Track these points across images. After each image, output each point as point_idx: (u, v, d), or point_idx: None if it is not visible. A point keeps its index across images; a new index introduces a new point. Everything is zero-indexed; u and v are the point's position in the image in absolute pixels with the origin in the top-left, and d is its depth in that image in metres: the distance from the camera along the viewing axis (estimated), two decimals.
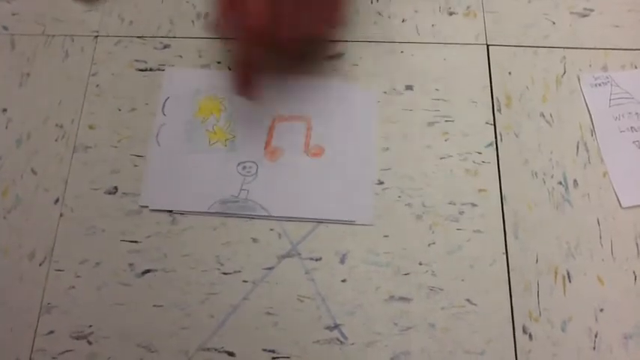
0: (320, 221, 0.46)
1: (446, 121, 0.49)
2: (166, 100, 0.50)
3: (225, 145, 0.48)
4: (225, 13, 0.44)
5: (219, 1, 0.44)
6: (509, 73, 0.51)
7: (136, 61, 0.51)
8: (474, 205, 0.46)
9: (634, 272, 0.44)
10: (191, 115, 0.49)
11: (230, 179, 0.47)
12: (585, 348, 0.42)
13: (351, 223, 0.45)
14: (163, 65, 0.51)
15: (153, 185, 0.47)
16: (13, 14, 0.53)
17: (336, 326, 0.43)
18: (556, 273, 0.44)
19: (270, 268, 0.44)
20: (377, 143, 0.48)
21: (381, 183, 0.47)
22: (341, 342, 0.42)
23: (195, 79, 0.50)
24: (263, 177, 0.47)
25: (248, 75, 0.45)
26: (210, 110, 0.49)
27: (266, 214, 0.45)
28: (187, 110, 0.49)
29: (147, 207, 0.46)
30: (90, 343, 0.43)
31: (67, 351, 0.42)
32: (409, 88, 0.50)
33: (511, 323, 0.43)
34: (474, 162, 0.47)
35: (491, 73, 0.51)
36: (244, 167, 0.47)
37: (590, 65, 0.51)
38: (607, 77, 0.50)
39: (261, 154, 0.48)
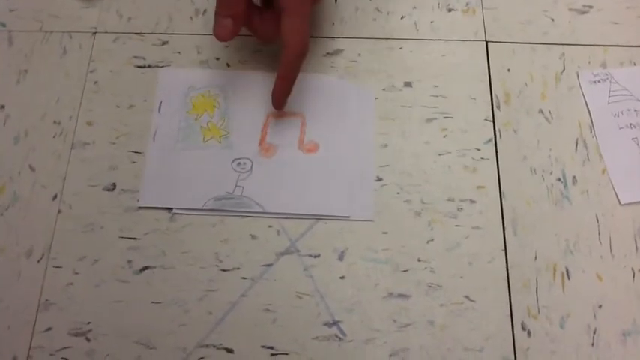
0: (319, 218, 0.46)
1: (444, 117, 0.49)
2: (161, 100, 0.49)
3: (220, 142, 0.48)
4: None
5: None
6: (508, 69, 0.51)
7: (135, 57, 0.51)
8: (472, 201, 0.46)
9: (632, 269, 0.44)
10: (185, 112, 0.49)
11: (225, 176, 0.47)
12: (584, 344, 0.42)
13: (349, 219, 0.45)
14: (162, 62, 0.51)
15: (150, 184, 0.47)
16: (11, 10, 0.53)
17: (335, 323, 0.43)
18: (555, 270, 0.44)
19: (268, 265, 0.44)
20: (375, 140, 0.48)
21: (379, 179, 0.47)
22: (340, 338, 0.42)
23: (189, 77, 0.50)
24: (257, 173, 0.47)
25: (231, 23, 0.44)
26: (204, 107, 0.49)
27: (261, 210, 0.45)
28: (181, 108, 0.49)
29: (146, 207, 0.46)
30: (88, 339, 0.42)
31: (65, 348, 0.42)
32: (408, 84, 0.50)
33: (510, 320, 0.43)
34: (472, 158, 0.47)
35: (490, 69, 0.51)
36: (239, 164, 0.47)
37: (589, 62, 0.51)
38: (606, 74, 0.50)
39: (256, 150, 0.48)
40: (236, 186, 0.46)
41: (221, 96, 0.49)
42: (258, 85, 0.50)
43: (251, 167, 0.47)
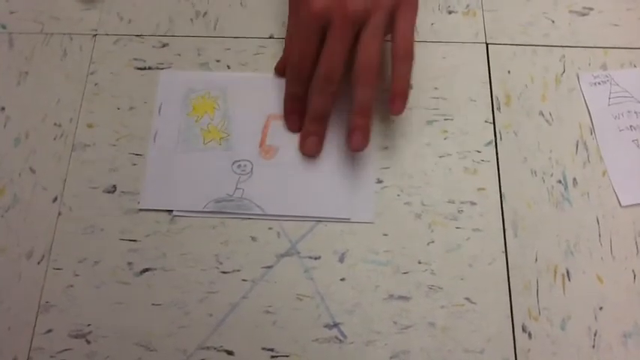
0: (319, 220, 0.45)
1: (445, 119, 0.49)
2: (161, 102, 0.50)
3: (220, 144, 0.48)
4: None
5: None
6: (509, 71, 0.51)
7: (135, 59, 0.51)
8: (473, 203, 0.46)
9: (633, 271, 0.44)
10: (185, 114, 0.49)
11: (225, 178, 0.47)
12: (585, 347, 0.42)
13: (349, 221, 0.45)
14: (162, 64, 0.51)
15: (150, 187, 0.46)
16: (12, 12, 0.53)
17: (335, 325, 0.43)
18: (555, 271, 0.44)
19: (269, 267, 0.44)
20: (375, 141, 0.48)
21: (380, 182, 0.47)
22: (340, 341, 0.42)
23: (189, 79, 0.50)
24: (258, 175, 0.47)
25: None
26: (204, 109, 0.49)
27: (261, 212, 0.45)
28: (181, 110, 0.49)
29: (146, 209, 0.46)
30: (88, 342, 0.42)
31: (65, 350, 0.42)
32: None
33: (510, 322, 0.43)
34: (473, 160, 0.47)
35: (491, 71, 0.51)
36: (239, 166, 0.47)
37: (589, 64, 0.51)
38: (606, 76, 0.50)
39: (256, 152, 0.48)
40: (236, 188, 0.46)
41: (221, 98, 0.49)
42: (258, 87, 0.50)
43: (251, 169, 0.47)
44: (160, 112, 0.49)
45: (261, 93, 0.49)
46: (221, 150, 0.48)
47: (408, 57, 0.44)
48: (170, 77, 0.50)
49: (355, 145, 0.45)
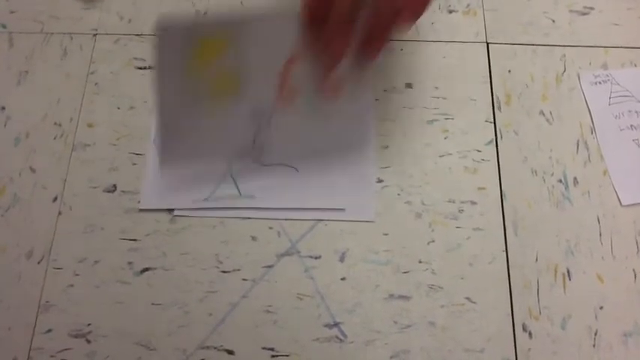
0: (319, 219, 0.45)
1: (445, 119, 0.49)
2: (159, 68, 0.42)
3: (232, 95, 0.43)
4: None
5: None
6: (509, 71, 0.51)
7: (135, 59, 0.51)
8: (473, 203, 0.46)
9: (634, 270, 0.44)
10: (187, 68, 0.42)
11: (242, 129, 0.45)
12: (585, 346, 0.42)
13: (349, 220, 0.45)
14: None
15: (151, 187, 0.46)
16: (12, 12, 0.53)
17: (336, 324, 0.43)
18: (556, 271, 0.44)
19: (269, 267, 0.44)
20: (376, 141, 0.48)
21: (380, 181, 0.47)
22: (340, 340, 0.42)
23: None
24: (276, 126, 0.45)
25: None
26: (211, 55, 0.42)
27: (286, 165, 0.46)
28: (182, 58, 0.42)
29: (148, 209, 0.46)
30: (88, 341, 0.42)
31: (65, 349, 0.42)
32: (409, 86, 0.50)
33: (511, 321, 0.43)
34: (473, 160, 0.47)
35: (491, 71, 0.51)
36: (256, 114, 0.45)
37: (590, 63, 0.51)
38: (607, 75, 0.50)
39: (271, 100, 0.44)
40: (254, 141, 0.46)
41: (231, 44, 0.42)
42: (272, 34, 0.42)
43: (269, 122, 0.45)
44: (160, 78, 0.42)
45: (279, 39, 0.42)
46: (234, 101, 0.44)
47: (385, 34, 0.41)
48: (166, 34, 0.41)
49: (369, 57, 0.43)
